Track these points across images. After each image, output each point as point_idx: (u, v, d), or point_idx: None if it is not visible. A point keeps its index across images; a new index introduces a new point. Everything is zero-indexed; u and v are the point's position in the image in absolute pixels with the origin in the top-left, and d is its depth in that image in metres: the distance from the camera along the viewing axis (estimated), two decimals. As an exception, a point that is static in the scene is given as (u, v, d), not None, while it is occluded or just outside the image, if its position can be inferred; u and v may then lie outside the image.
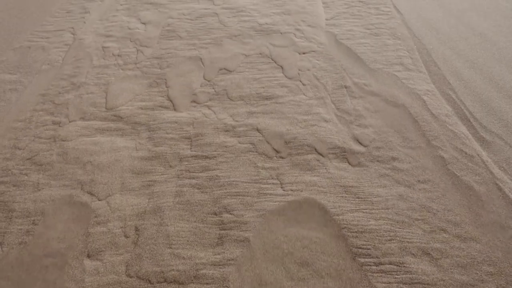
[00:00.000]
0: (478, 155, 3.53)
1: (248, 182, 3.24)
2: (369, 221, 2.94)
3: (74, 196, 3.12)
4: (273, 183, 3.25)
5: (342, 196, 3.14)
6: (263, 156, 3.49)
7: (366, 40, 5.43)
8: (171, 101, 4.19)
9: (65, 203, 3.06)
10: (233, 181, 3.25)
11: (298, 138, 3.67)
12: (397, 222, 2.93)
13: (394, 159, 3.47)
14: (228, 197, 3.11)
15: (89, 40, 5.42)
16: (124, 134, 3.74)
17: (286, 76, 4.60)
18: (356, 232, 2.86)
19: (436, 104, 4.17)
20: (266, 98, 4.21)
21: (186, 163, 3.44)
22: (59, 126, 3.83)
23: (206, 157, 3.49)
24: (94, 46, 5.27)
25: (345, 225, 2.90)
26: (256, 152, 3.54)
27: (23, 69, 4.88)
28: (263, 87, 4.40)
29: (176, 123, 3.87)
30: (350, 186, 3.22)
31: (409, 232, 2.85)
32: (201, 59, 4.94)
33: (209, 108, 4.09)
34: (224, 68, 4.74)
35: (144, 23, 5.85)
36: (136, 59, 4.96)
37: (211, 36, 5.43)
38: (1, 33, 5.71)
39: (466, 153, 3.54)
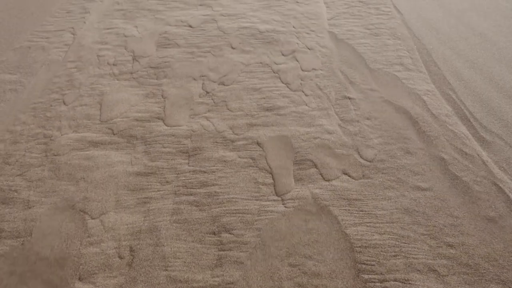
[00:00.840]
0: (478, 155, 3.63)
1: (248, 199, 3.24)
2: (373, 235, 2.95)
3: (66, 214, 3.11)
4: (274, 200, 3.24)
5: (346, 209, 3.16)
6: (264, 171, 3.49)
7: (366, 40, 5.62)
8: (168, 112, 4.20)
9: (57, 222, 3.05)
10: (233, 198, 3.24)
11: (300, 152, 3.67)
12: (402, 237, 2.93)
13: (398, 170, 3.49)
14: (228, 215, 3.10)
15: (84, 48, 5.46)
16: (119, 148, 3.74)
17: (287, 86, 4.62)
18: (359, 247, 2.87)
19: (436, 104, 4.31)
20: (267, 110, 4.23)
21: (184, 178, 3.43)
22: (51, 139, 3.83)
23: (205, 172, 3.49)
24: (88, 54, 5.31)
25: (349, 240, 2.91)
26: (256, 167, 3.53)
27: (23, 69, 5.01)
28: (264, 98, 4.41)
29: (173, 136, 3.88)
30: (354, 199, 3.24)
31: (414, 248, 2.85)
32: (199, 68, 4.97)
33: (207, 120, 4.10)
34: (224, 78, 4.76)
35: (140, 31, 5.90)
36: (132, 68, 4.99)
37: (210, 44, 5.48)
38: (1, 33, 5.88)
39: (466, 154, 3.64)
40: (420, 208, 3.15)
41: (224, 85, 4.65)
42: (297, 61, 5.14)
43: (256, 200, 3.24)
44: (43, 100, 4.39)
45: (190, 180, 3.41)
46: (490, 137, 3.86)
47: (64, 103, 4.33)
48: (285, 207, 3.17)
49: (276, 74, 4.86)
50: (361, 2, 6.87)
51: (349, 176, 3.45)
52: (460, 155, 3.63)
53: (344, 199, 3.24)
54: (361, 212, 3.13)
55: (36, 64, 5.12)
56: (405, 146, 3.75)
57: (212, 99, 4.43)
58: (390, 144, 3.77)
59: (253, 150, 3.71)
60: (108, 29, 5.98)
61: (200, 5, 6.73)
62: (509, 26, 5.81)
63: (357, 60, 5.12)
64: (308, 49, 5.37)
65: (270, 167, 3.52)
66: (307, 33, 5.78)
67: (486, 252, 2.82)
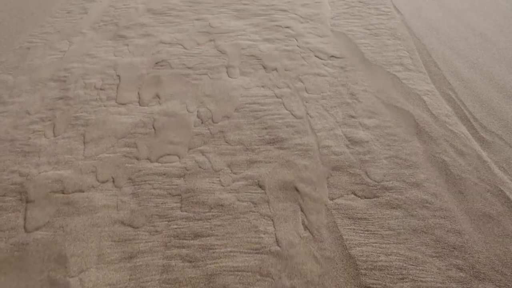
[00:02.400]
0: (478, 155, 3.79)
1: (248, 253, 3.01)
2: (379, 256, 2.93)
3: (40, 272, 2.88)
4: (277, 252, 3.02)
5: (351, 229, 3.13)
6: (266, 217, 3.27)
7: (366, 41, 5.88)
8: (159, 146, 4.00)
9: (28, 282, 2.82)
10: (230, 251, 3.02)
11: (308, 195, 3.45)
12: (410, 259, 2.91)
13: (406, 189, 3.47)
14: (224, 273, 2.87)
15: (69, 71, 5.29)
16: (104, 189, 3.53)
17: (291, 113, 4.43)
18: (365, 269, 2.84)
19: (436, 105, 4.51)
20: (269, 143, 4.02)
21: (175, 227, 3.21)
22: (27, 179, 3.62)
23: (199, 219, 3.27)
24: (73, 78, 5.14)
25: (353, 261, 2.86)
26: (257, 212, 3.32)
27: (22, 70, 5.21)
28: (266, 128, 4.22)
29: (164, 175, 3.67)
30: (359, 218, 3.22)
31: (423, 270, 2.83)
32: (194, 93, 4.78)
33: (203, 155, 3.90)
34: (221, 104, 4.57)
35: (131, 49, 5.74)
36: (120, 93, 4.81)
37: (207, 66, 5.30)
38: (1, 33, 6.13)
39: (466, 154, 3.80)
40: (429, 228, 3.14)
41: (221, 113, 4.45)
42: (302, 82, 4.96)
43: (257, 253, 3.01)
44: (21, 131, 4.20)
45: (182, 230, 3.18)
46: (490, 137, 4.01)
47: (45, 135, 4.13)
48: (289, 255, 2.95)
49: (279, 99, 4.67)
50: (361, 2, 7.21)
51: (355, 194, 3.43)
52: (460, 156, 3.77)
53: (348, 218, 3.23)
54: (366, 232, 3.12)
55: (34, 65, 5.32)
56: (413, 162, 3.77)
57: (208, 129, 4.23)
58: (399, 164, 3.74)
59: (254, 192, 3.49)
60: (96, 47, 5.83)
61: (196, 19, 6.59)
62: (509, 26, 6.08)
63: (359, 62, 5.31)
64: (312, 70, 5.20)
65: (272, 213, 3.30)
66: (316, 55, 5.60)
67: (497, 278, 2.77)
